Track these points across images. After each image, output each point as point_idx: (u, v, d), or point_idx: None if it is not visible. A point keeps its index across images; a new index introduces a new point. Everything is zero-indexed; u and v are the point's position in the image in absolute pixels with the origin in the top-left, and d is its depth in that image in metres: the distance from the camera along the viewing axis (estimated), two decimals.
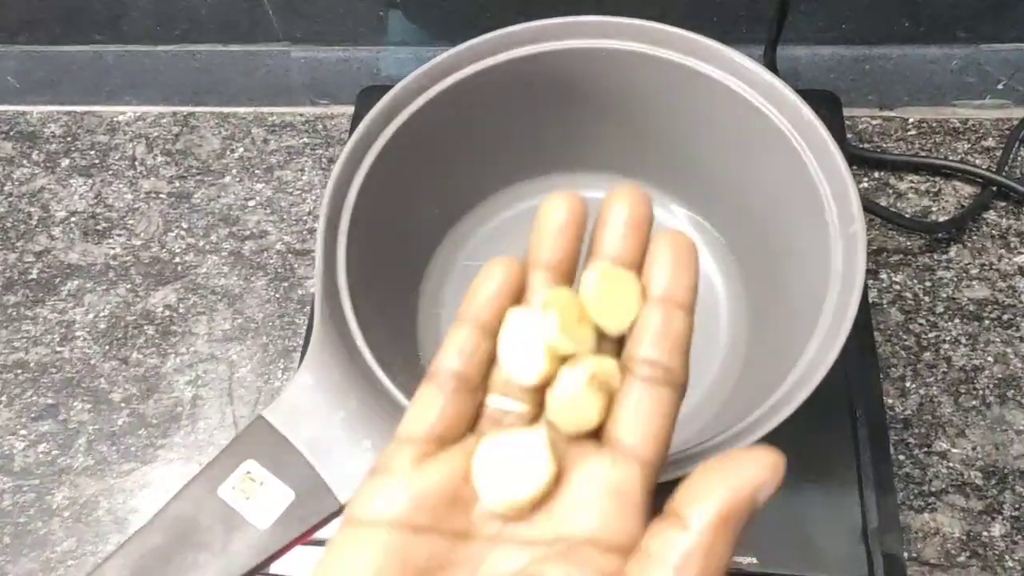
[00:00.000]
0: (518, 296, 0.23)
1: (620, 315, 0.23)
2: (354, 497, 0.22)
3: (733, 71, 0.39)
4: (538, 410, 0.23)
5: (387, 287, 0.42)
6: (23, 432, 0.51)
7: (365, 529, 0.21)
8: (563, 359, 0.23)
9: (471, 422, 0.23)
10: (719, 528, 0.18)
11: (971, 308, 0.50)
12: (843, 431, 0.41)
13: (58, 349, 0.53)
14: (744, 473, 0.19)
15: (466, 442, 0.23)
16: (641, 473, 0.21)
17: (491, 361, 0.23)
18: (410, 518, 0.21)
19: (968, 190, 0.54)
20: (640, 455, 0.21)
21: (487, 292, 0.23)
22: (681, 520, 0.19)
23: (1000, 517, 0.44)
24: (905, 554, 0.41)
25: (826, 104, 0.52)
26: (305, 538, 0.30)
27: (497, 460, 0.22)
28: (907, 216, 0.53)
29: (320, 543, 0.41)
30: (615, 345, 0.24)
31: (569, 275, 0.24)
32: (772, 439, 0.31)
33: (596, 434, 0.23)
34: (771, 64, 0.52)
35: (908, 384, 0.48)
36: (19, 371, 0.53)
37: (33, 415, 0.51)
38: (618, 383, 0.22)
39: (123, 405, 0.51)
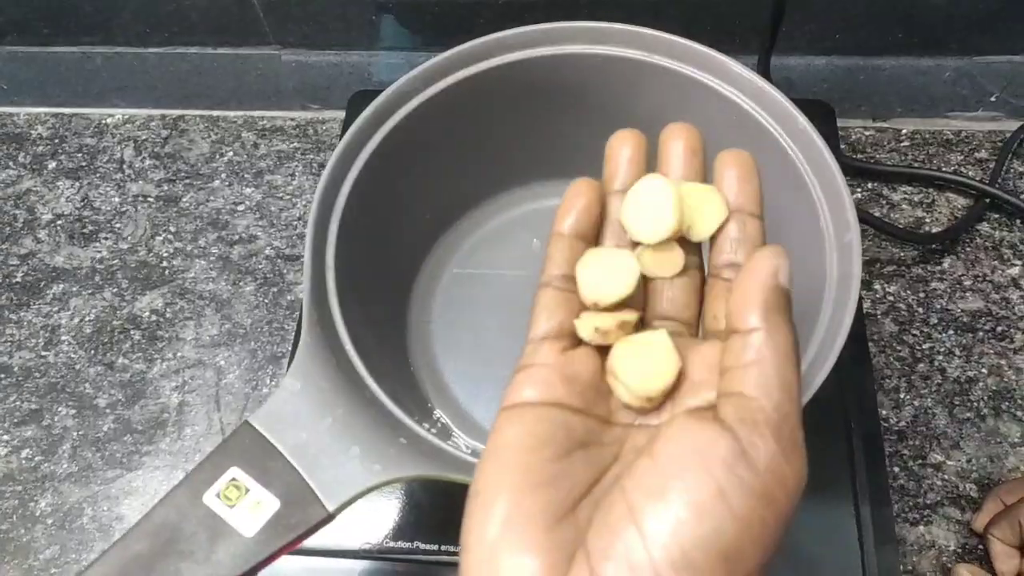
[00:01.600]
0: (599, 216, 0.26)
1: (708, 221, 0.26)
2: (508, 389, 0.24)
3: (727, 79, 0.39)
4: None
5: (376, 293, 0.42)
6: (6, 438, 0.50)
7: (528, 408, 0.23)
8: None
9: None
10: (767, 317, 0.21)
11: (965, 319, 0.50)
12: (838, 443, 0.41)
13: (43, 354, 0.52)
14: (761, 270, 0.21)
15: (589, 347, 0.25)
16: None
17: None
18: (567, 399, 0.23)
19: (961, 201, 0.54)
20: None
21: (579, 206, 0.26)
22: (738, 331, 0.21)
23: None
24: (900, 567, 0.41)
25: (819, 114, 0.52)
26: (292, 547, 0.29)
27: (632, 358, 0.24)
28: (900, 227, 0.53)
29: (309, 552, 0.41)
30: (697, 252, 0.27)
31: None
32: None
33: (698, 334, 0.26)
34: (765, 73, 0.52)
35: (902, 396, 0.47)
36: (2, 375, 0.52)
37: (16, 420, 0.50)
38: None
39: (108, 411, 0.50)
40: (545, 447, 0.22)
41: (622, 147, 0.27)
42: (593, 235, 0.26)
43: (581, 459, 0.22)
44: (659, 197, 0.25)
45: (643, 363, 0.24)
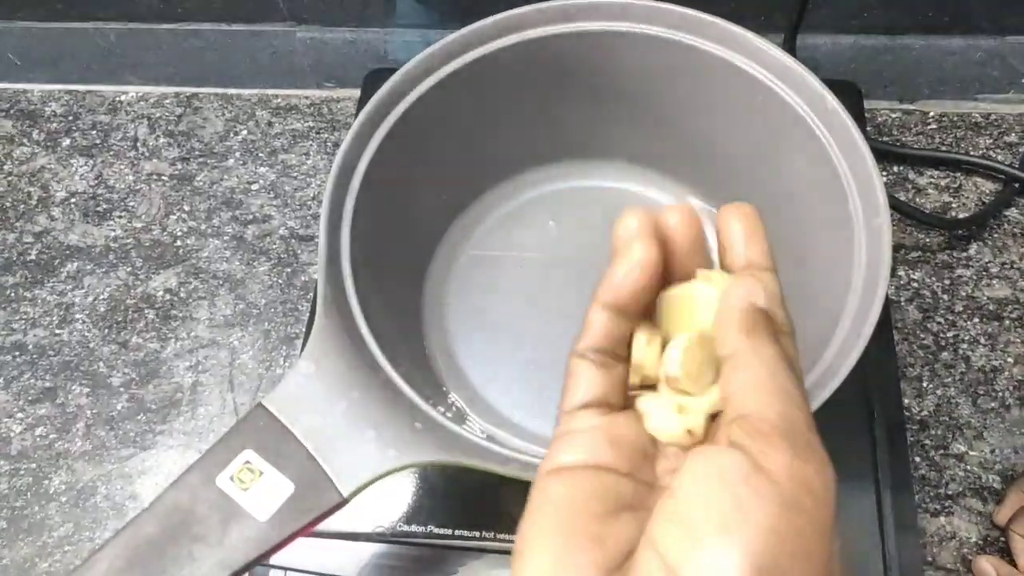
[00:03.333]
0: (652, 292, 0.24)
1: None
2: (549, 453, 0.23)
3: (753, 56, 0.38)
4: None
5: (392, 275, 0.41)
6: (20, 415, 0.50)
7: (572, 470, 0.22)
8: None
9: (625, 393, 0.25)
10: (747, 338, 0.21)
11: (991, 307, 0.48)
12: (860, 431, 0.40)
13: (57, 332, 0.52)
14: (733, 295, 0.22)
15: (630, 413, 0.24)
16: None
17: (629, 339, 0.25)
18: (612, 462, 0.22)
19: (989, 186, 0.53)
20: None
21: (633, 280, 0.23)
22: (725, 358, 0.22)
23: None
24: (923, 558, 0.40)
25: (847, 95, 0.50)
26: (306, 531, 0.29)
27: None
28: (926, 212, 0.51)
29: (321, 535, 0.40)
30: None
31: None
32: None
33: None
34: (791, 52, 0.50)
35: (925, 384, 0.46)
36: (17, 353, 0.52)
37: (31, 398, 0.50)
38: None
39: (122, 390, 0.50)
40: (591, 504, 0.21)
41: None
42: (638, 312, 0.24)
43: (628, 520, 0.21)
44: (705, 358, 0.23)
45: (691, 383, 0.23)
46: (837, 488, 0.20)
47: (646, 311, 0.25)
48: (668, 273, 0.25)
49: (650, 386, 0.25)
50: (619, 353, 0.24)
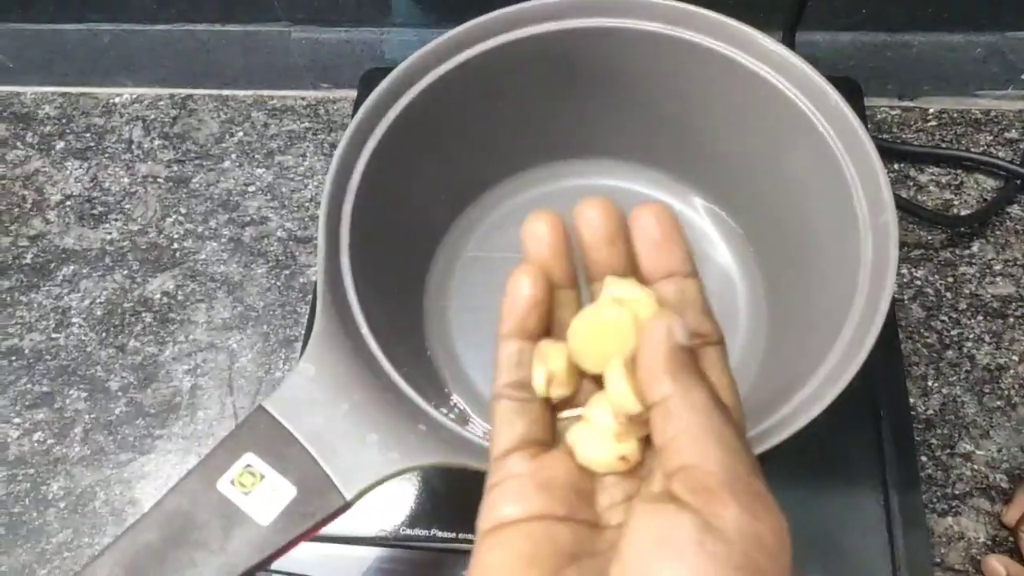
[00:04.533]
0: (546, 310, 0.24)
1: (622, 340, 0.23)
2: (482, 511, 0.22)
3: (755, 53, 0.38)
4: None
5: (392, 276, 0.41)
6: (17, 420, 0.49)
7: (508, 528, 0.21)
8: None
9: (552, 429, 0.24)
10: (676, 380, 0.20)
11: (995, 305, 0.48)
12: (868, 431, 0.40)
13: (53, 336, 0.52)
14: (652, 334, 0.21)
15: (559, 448, 0.23)
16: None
17: None
18: (547, 508, 0.22)
19: (991, 183, 0.52)
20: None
21: (521, 304, 0.24)
22: (655, 405, 0.21)
23: None
24: (931, 559, 0.40)
25: (846, 92, 0.49)
26: (309, 535, 0.28)
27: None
28: (928, 209, 0.51)
29: (323, 539, 0.40)
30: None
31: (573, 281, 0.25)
32: (795, 440, 0.29)
33: None
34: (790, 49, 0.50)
35: (930, 383, 0.46)
36: (13, 358, 0.51)
37: (28, 403, 0.50)
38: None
39: (120, 394, 0.50)
40: (531, 568, 0.20)
41: (544, 239, 0.25)
42: (540, 332, 0.24)
43: (575, 574, 0.20)
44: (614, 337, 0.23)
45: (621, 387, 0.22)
46: (789, 536, 0.19)
47: (548, 332, 0.24)
48: (588, 267, 0.25)
49: (574, 416, 0.24)
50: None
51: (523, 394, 0.24)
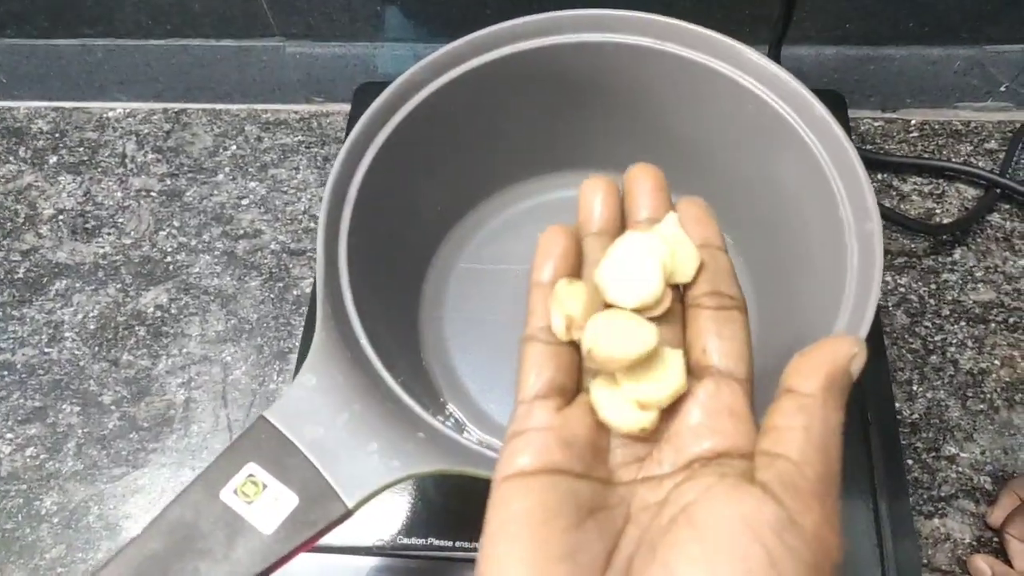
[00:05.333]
0: (578, 260, 0.26)
1: (686, 266, 0.25)
2: (503, 456, 0.23)
3: (742, 66, 0.39)
4: None
5: (388, 287, 0.41)
6: (10, 436, 0.49)
7: (530, 478, 0.22)
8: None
9: (579, 374, 0.25)
10: (828, 390, 0.21)
11: (977, 311, 0.49)
12: (856, 436, 0.41)
13: (46, 350, 0.52)
14: (839, 347, 0.22)
15: (581, 398, 0.24)
16: (743, 389, 0.23)
17: None
18: (568, 464, 0.22)
19: (972, 192, 0.54)
20: (736, 374, 0.24)
21: (556, 252, 0.25)
22: (794, 392, 0.21)
23: None
24: (920, 561, 0.41)
25: (831, 104, 0.50)
26: (311, 543, 0.28)
27: (637, 366, 0.23)
28: (911, 218, 0.52)
29: (321, 550, 0.40)
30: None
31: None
32: None
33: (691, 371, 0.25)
34: (776, 62, 0.51)
35: (915, 388, 0.47)
36: (5, 373, 0.51)
37: (20, 418, 0.50)
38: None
39: (113, 408, 0.50)
40: (557, 518, 0.21)
41: (595, 193, 0.27)
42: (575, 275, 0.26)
43: (594, 527, 0.21)
44: (642, 260, 0.25)
45: (647, 372, 0.23)
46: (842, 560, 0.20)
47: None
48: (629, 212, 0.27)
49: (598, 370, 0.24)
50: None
51: (554, 337, 0.24)
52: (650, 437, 0.24)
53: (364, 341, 0.33)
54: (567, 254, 0.25)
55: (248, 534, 0.27)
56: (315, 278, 0.34)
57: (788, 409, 0.21)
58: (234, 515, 0.27)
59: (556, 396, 0.24)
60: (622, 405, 0.23)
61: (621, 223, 0.27)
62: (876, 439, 0.41)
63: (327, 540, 0.30)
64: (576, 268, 0.26)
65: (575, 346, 0.24)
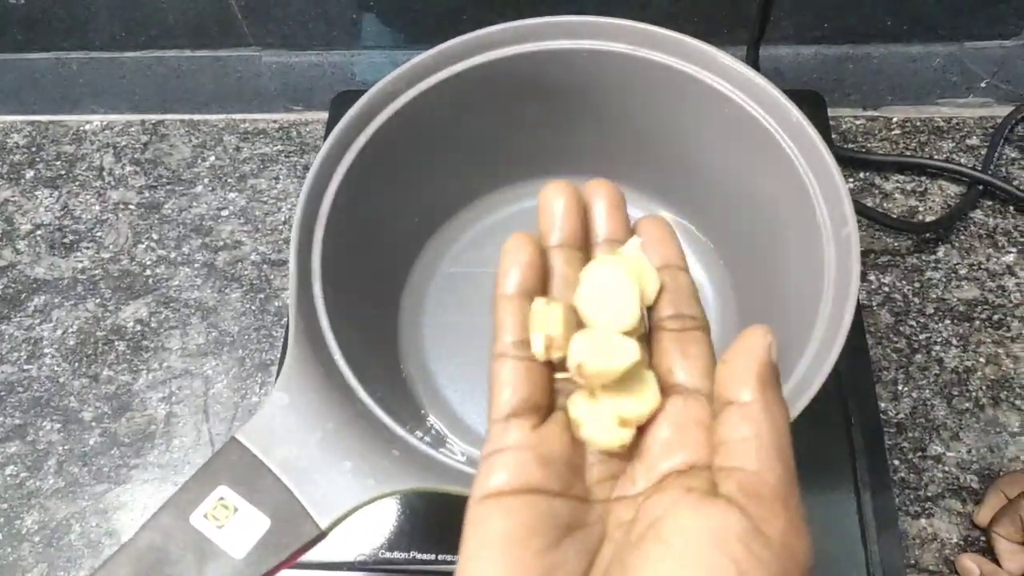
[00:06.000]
0: (543, 271, 0.25)
1: (649, 290, 0.25)
2: (480, 476, 0.23)
3: (718, 71, 0.39)
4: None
5: (366, 298, 0.41)
6: None
7: (505, 498, 0.22)
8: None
9: (552, 391, 0.24)
10: (764, 391, 0.21)
11: (961, 309, 0.49)
12: (838, 437, 0.41)
13: (25, 367, 0.51)
14: (756, 343, 0.22)
15: (556, 416, 0.24)
16: (710, 404, 0.23)
17: None
18: (545, 483, 0.22)
19: (954, 189, 0.53)
20: (702, 390, 0.24)
21: (521, 262, 0.25)
22: (734, 404, 0.21)
23: None
24: (904, 561, 0.41)
25: (810, 104, 0.51)
26: (284, 566, 0.28)
27: (595, 346, 0.23)
28: (894, 216, 0.52)
29: (301, 566, 0.40)
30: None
31: (581, 254, 0.26)
32: None
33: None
34: (754, 64, 0.51)
35: (900, 387, 0.47)
36: None
37: (0, 436, 0.49)
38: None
39: (94, 424, 0.49)
40: (534, 538, 0.21)
41: (556, 200, 0.26)
42: (539, 292, 0.25)
43: (571, 546, 0.21)
44: (619, 287, 0.24)
45: (626, 389, 0.23)
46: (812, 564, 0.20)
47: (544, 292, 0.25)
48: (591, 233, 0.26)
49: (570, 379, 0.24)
50: None
51: (526, 353, 0.24)
52: (625, 454, 0.24)
53: (338, 357, 0.33)
54: (532, 264, 0.25)
55: (219, 559, 0.27)
56: (288, 294, 0.34)
57: (733, 421, 0.21)
58: (204, 540, 0.27)
59: (531, 414, 0.23)
60: (603, 422, 0.23)
61: (584, 233, 0.27)
62: (859, 439, 0.41)
63: (307, 557, 0.29)
64: (542, 280, 0.25)
65: (549, 364, 0.24)
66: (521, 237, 0.25)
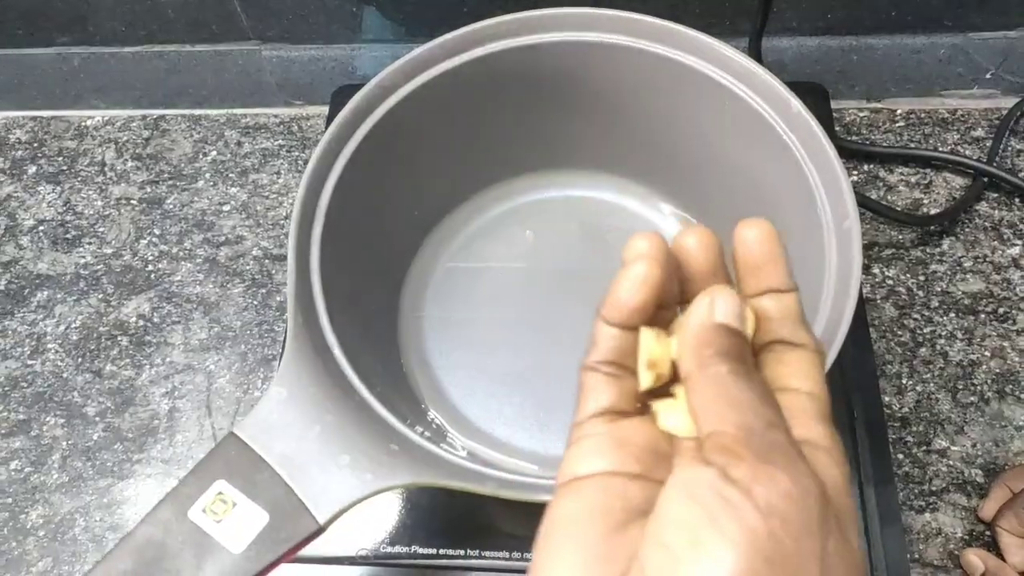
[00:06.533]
0: (660, 301, 0.24)
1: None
2: (564, 464, 0.23)
3: (719, 63, 0.38)
4: None
5: (366, 292, 0.41)
6: None
7: (585, 481, 0.22)
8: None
9: (636, 400, 0.25)
10: (698, 357, 0.21)
11: (966, 302, 0.49)
12: (842, 431, 0.40)
13: (29, 362, 0.51)
14: (694, 312, 0.22)
15: (645, 416, 0.24)
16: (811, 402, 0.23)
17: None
18: (621, 465, 0.22)
19: (959, 181, 0.53)
20: (802, 389, 0.23)
21: (644, 292, 0.23)
22: (685, 378, 0.22)
23: None
24: (907, 555, 0.40)
25: (813, 96, 0.51)
26: (282, 561, 0.28)
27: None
28: (898, 209, 0.52)
29: (301, 560, 0.40)
30: None
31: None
32: None
33: None
34: (756, 56, 0.51)
35: (905, 381, 0.47)
36: None
37: (4, 431, 0.49)
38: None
39: (98, 419, 0.49)
40: (600, 520, 0.21)
41: (702, 250, 0.25)
42: (643, 323, 0.24)
43: (640, 529, 0.21)
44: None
45: None
46: (819, 487, 0.19)
47: (653, 322, 0.24)
48: (687, 295, 0.25)
49: (665, 392, 0.24)
50: (628, 365, 0.24)
51: (614, 370, 0.24)
52: None
53: (337, 351, 0.33)
54: (653, 297, 0.23)
55: (217, 554, 0.27)
56: (287, 288, 0.34)
57: (689, 395, 0.22)
58: (203, 534, 0.27)
59: (614, 415, 0.24)
60: (682, 414, 0.23)
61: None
62: (863, 433, 0.41)
63: (307, 551, 0.29)
64: (653, 311, 0.24)
65: (634, 376, 0.24)
66: (651, 260, 0.23)
